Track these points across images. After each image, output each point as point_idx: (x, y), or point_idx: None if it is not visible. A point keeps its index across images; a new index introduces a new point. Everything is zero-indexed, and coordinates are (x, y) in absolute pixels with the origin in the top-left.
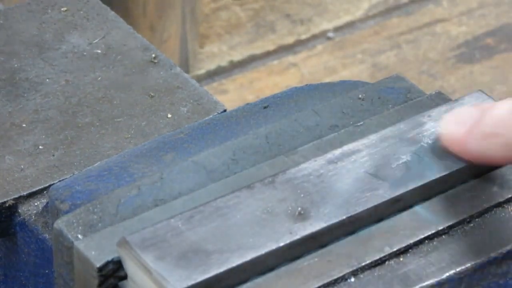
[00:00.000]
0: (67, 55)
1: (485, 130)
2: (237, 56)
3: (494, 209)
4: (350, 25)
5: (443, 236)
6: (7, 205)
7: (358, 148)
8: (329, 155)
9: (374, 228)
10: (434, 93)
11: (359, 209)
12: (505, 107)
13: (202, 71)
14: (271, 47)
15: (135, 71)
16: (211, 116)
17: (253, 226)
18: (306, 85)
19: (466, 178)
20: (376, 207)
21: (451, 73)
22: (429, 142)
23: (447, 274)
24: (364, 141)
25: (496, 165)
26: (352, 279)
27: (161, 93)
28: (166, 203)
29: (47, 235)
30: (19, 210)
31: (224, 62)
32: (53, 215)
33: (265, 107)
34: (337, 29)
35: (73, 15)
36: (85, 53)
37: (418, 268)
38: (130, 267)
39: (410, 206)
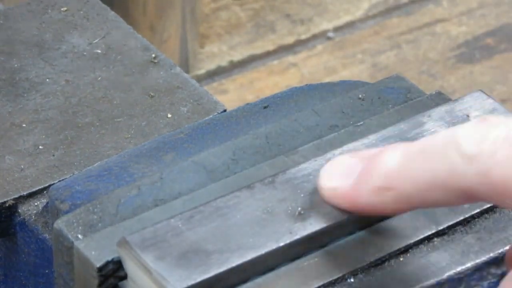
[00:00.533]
0: (67, 55)
1: (376, 184)
2: (237, 56)
3: (494, 209)
4: (350, 25)
5: (443, 236)
6: (7, 205)
7: (358, 148)
8: (329, 155)
9: (374, 228)
10: (434, 93)
11: None
12: (395, 158)
13: (202, 71)
14: (271, 47)
15: (135, 71)
16: (211, 116)
17: (253, 226)
18: (306, 85)
19: None
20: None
21: (451, 73)
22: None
23: (447, 274)
24: (364, 141)
25: (386, 216)
26: (352, 279)
27: (161, 93)
28: (166, 203)
29: (47, 235)
30: (19, 210)
31: (224, 62)
32: (53, 215)
33: (265, 107)
34: (337, 29)
35: (73, 15)
36: (85, 53)
37: (418, 268)
38: (130, 267)
39: None
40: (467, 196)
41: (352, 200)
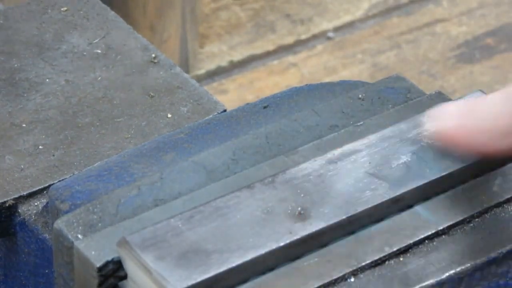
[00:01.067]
0: (67, 55)
1: (479, 123)
2: (237, 56)
3: (494, 209)
4: (350, 25)
5: (443, 236)
6: (7, 205)
7: (358, 148)
8: (329, 155)
9: (374, 228)
10: (434, 93)
11: (359, 209)
12: (496, 99)
13: (202, 71)
14: (271, 47)
15: (135, 71)
16: (211, 116)
17: (253, 226)
18: (306, 85)
19: (466, 178)
20: (376, 207)
21: (451, 73)
22: (429, 142)
23: (447, 274)
24: (364, 141)
25: (490, 158)
26: (352, 279)
27: (161, 93)
28: (166, 203)
29: (47, 235)
30: (19, 210)
31: (224, 62)
32: (53, 215)
33: (265, 107)
34: (337, 29)
35: (73, 15)
36: (85, 53)
37: (418, 268)
38: (130, 267)
39: (410, 206)
40: None
41: (458, 138)
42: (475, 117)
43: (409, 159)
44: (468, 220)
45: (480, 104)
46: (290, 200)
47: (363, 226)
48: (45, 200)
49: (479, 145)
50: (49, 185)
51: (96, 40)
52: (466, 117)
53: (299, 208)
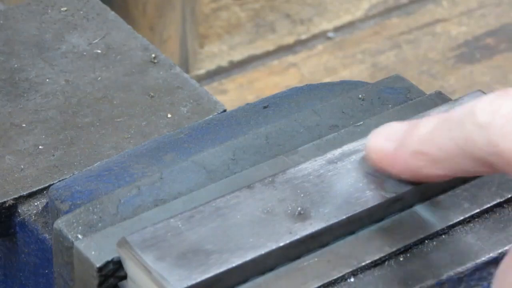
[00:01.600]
0: (67, 55)
1: (412, 148)
2: (237, 56)
3: (494, 209)
4: (350, 25)
5: (443, 236)
6: (7, 205)
7: (358, 148)
8: (329, 155)
9: (374, 228)
10: (434, 93)
11: (359, 209)
12: (430, 125)
13: (202, 71)
14: (271, 47)
15: (135, 71)
16: (211, 116)
17: (253, 226)
18: (306, 85)
19: (466, 178)
20: (376, 207)
21: (451, 73)
22: None
23: (447, 274)
24: (364, 141)
25: (428, 182)
26: (352, 279)
27: (161, 93)
28: (166, 203)
29: (47, 235)
30: (19, 210)
31: (224, 62)
32: (53, 215)
33: (265, 107)
34: (337, 29)
35: (73, 15)
36: (85, 53)
37: (418, 268)
38: (130, 267)
39: (410, 206)
40: (488, 165)
41: (393, 162)
42: (411, 141)
43: None
44: (468, 220)
45: (415, 130)
46: (290, 200)
47: (363, 226)
48: (45, 200)
49: (412, 170)
50: (49, 185)
51: (96, 40)
52: (402, 141)
53: (299, 208)
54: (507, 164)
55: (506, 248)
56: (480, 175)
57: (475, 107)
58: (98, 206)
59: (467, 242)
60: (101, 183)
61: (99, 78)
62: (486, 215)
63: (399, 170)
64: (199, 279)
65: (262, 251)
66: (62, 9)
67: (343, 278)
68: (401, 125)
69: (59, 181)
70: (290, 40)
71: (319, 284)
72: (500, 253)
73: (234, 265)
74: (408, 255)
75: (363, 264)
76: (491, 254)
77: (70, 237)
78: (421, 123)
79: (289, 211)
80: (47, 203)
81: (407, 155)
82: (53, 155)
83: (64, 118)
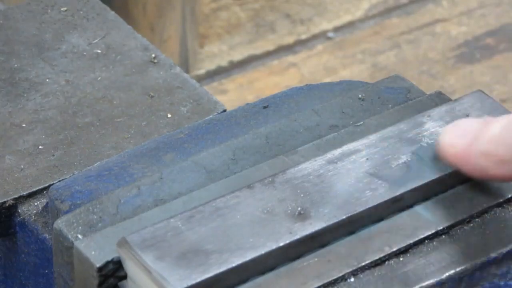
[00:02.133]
0: (67, 55)
1: (482, 148)
2: (237, 56)
3: (494, 209)
4: (350, 25)
5: (443, 236)
6: (7, 205)
7: (358, 148)
8: (329, 155)
9: (374, 228)
10: (434, 93)
11: (359, 209)
12: (499, 127)
13: (202, 71)
14: (271, 47)
15: (135, 71)
16: (211, 116)
17: (253, 226)
18: (306, 85)
19: (466, 178)
20: (376, 207)
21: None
22: (429, 142)
23: (447, 274)
24: (364, 141)
25: (495, 181)
26: (352, 279)
27: (161, 93)
28: (166, 203)
29: (47, 235)
30: (19, 210)
31: (224, 62)
32: (53, 215)
33: (265, 107)
34: (337, 29)
35: (73, 15)
36: (85, 53)
37: (418, 268)
38: (130, 267)
39: (410, 206)
40: None
41: (462, 160)
42: (482, 141)
43: (409, 159)
44: (468, 220)
45: (486, 129)
46: (290, 200)
47: (363, 226)
48: (45, 200)
49: (481, 170)
50: (49, 185)
51: (96, 40)
52: (474, 141)
53: (299, 208)
54: None
55: (506, 248)
56: None
57: None
58: (98, 206)
59: (467, 242)
60: (101, 183)
61: (99, 78)
62: (486, 215)
63: (469, 169)
64: (199, 279)
65: (262, 251)
66: (62, 9)
67: (343, 278)
68: (473, 122)
69: (59, 181)
70: (290, 40)
71: (319, 284)
72: (500, 253)
73: (234, 265)
74: (408, 255)
75: (363, 264)
76: (491, 254)
77: (70, 237)
78: (493, 122)
79: (289, 211)
80: (47, 203)
81: (477, 155)
82: (53, 155)
83: (64, 118)
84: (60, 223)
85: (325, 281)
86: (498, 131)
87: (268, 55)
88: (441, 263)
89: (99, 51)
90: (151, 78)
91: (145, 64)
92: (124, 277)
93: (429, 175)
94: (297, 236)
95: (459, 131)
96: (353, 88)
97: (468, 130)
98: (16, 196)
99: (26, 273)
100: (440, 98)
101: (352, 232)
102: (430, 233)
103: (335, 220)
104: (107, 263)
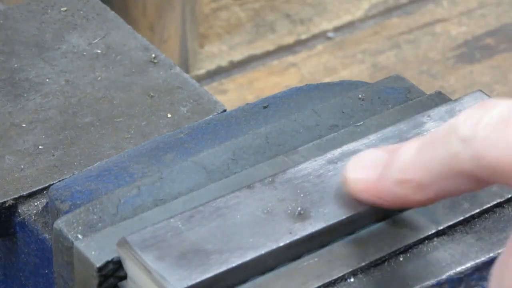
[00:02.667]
0: (67, 55)
1: (396, 176)
2: (237, 56)
3: (494, 209)
4: (350, 25)
5: (443, 236)
6: (7, 205)
7: (358, 148)
8: (329, 155)
9: (374, 228)
10: (434, 93)
11: (359, 209)
12: (410, 151)
13: (202, 71)
14: (271, 47)
15: (135, 71)
16: (211, 116)
17: (253, 226)
18: (306, 85)
19: None
20: (376, 207)
21: (451, 73)
22: None
23: (447, 274)
24: (364, 141)
25: (416, 207)
26: (352, 279)
27: (161, 93)
28: (166, 203)
29: (47, 235)
30: (19, 210)
31: (224, 62)
32: (53, 215)
33: (265, 107)
34: (337, 29)
35: (73, 15)
36: (85, 53)
37: (418, 268)
38: (130, 267)
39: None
40: (475, 180)
41: (376, 192)
42: (393, 170)
43: None
44: (468, 220)
45: (396, 157)
46: (290, 200)
47: (363, 226)
48: (45, 200)
49: (399, 198)
50: (49, 185)
51: (96, 40)
52: (384, 169)
53: (299, 208)
54: (493, 174)
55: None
56: (467, 192)
57: (457, 123)
58: (98, 206)
59: (467, 242)
60: (101, 183)
61: (99, 78)
62: (486, 215)
63: (385, 201)
64: (199, 279)
65: (262, 251)
66: (62, 9)
67: (343, 278)
68: (379, 152)
69: (59, 181)
70: (290, 40)
71: (319, 284)
72: (500, 253)
73: (234, 265)
74: (408, 255)
75: (363, 264)
76: (491, 254)
77: (70, 237)
78: (402, 149)
79: (289, 211)
80: (47, 203)
81: (392, 184)
82: (53, 155)
83: (64, 118)
84: (60, 223)
85: (325, 281)
86: (411, 156)
87: (268, 55)
88: (441, 263)
89: (99, 51)
90: (151, 78)
91: (145, 64)
92: (124, 277)
93: None
94: (297, 236)
95: (365, 163)
96: (353, 88)
97: (376, 161)
98: (16, 196)
99: (26, 273)
100: (440, 98)
101: (352, 232)
102: (430, 233)
103: (335, 220)
104: (107, 263)
